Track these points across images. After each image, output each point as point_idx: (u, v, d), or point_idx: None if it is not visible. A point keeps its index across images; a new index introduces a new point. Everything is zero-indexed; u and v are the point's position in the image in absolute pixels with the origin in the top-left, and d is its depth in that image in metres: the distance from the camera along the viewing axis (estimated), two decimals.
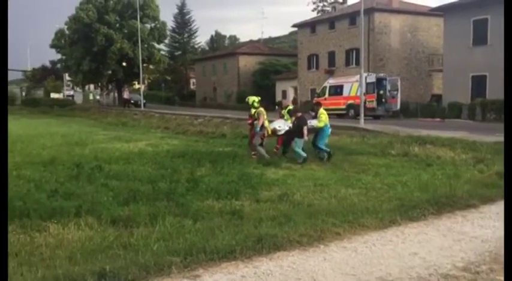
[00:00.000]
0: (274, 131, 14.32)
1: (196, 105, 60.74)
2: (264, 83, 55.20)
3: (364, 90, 28.16)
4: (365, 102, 28.30)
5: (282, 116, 15.73)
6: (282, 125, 14.42)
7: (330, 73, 44.90)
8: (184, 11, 76.87)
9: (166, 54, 69.15)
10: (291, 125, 14.09)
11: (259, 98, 14.75)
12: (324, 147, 13.88)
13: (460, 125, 25.39)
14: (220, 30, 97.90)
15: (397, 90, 34.37)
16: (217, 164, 12.50)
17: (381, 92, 33.47)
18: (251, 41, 74.48)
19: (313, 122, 14.08)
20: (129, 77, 58.84)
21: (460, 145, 15.26)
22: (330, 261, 5.43)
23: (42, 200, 7.75)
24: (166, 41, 66.91)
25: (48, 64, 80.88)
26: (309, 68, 49.37)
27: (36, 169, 11.54)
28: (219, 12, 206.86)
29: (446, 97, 35.14)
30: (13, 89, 76.50)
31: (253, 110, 14.31)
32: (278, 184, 10.10)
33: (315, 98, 38.43)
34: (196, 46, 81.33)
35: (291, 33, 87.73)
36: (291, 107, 15.66)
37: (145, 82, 75.60)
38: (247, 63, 58.93)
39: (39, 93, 71.37)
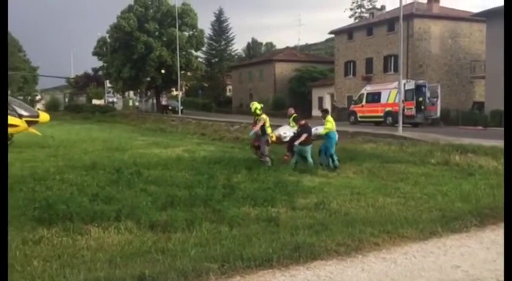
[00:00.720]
0: (279, 138, 14.22)
1: (233, 111, 61.16)
2: (300, 90, 55.07)
3: (402, 97, 27.64)
4: (403, 110, 27.76)
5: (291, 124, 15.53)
6: (287, 132, 14.30)
7: (368, 80, 44.34)
8: (222, 18, 77.83)
9: (204, 62, 70.09)
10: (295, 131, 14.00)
11: (262, 105, 14.65)
12: (334, 155, 13.72)
13: (503, 134, 24.51)
14: (256, 37, 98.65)
15: (437, 97, 33.54)
16: (253, 171, 12.52)
17: (420, 99, 32.75)
18: (287, 48, 74.48)
19: (318, 130, 14.03)
20: (167, 83, 59.95)
21: None
22: (369, 272, 5.34)
23: (84, 204, 7.95)
24: (204, 48, 67.93)
25: (90, 71, 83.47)
26: (346, 74, 48.93)
27: (78, 173, 11.87)
28: (256, 20, 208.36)
29: (488, 105, 34.05)
30: (57, 95, 79.46)
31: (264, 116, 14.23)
32: (314, 191, 10.02)
33: (352, 105, 38.06)
34: (233, 53, 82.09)
35: (328, 40, 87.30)
36: (295, 115, 15.31)
37: (183, 89, 76.76)
38: (283, 70, 58.96)
39: (82, 99, 73.79)
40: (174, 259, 5.37)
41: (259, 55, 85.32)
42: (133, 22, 52.92)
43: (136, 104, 71.62)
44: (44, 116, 21.16)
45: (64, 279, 4.88)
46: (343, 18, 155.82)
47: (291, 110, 15.71)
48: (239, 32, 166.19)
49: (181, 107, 52.16)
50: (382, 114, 34.04)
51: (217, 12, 77.53)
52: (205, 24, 78.95)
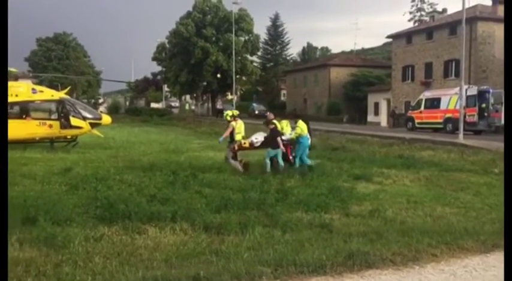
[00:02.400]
0: (251, 144, 14.02)
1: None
2: (355, 95, 54.21)
3: (464, 103, 26.59)
4: (465, 116, 26.69)
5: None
6: (259, 137, 14.15)
7: (427, 85, 42.98)
8: (277, 23, 78.13)
9: (259, 66, 70.63)
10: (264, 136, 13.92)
11: (234, 112, 14.91)
12: (306, 159, 13.74)
13: None
14: (312, 41, 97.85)
15: (502, 103, 31.97)
16: (306, 176, 12.47)
17: (483, 105, 31.34)
18: (343, 53, 73.71)
19: (289, 135, 13.99)
20: (222, 88, 60.93)
21: None
22: None
23: (142, 204, 8.23)
24: (259, 53, 68.46)
25: (149, 76, 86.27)
26: (404, 79, 47.66)
27: (137, 174, 12.28)
28: (312, 24, 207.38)
29: None
30: (118, 99, 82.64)
31: (233, 123, 14.19)
32: (369, 198, 9.84)
33: (410, 111, 36.99)
34: (288, 58, 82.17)
35: (385, 44, 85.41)
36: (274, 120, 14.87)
37: (238, 93, 77.68)
38: (338, 74, 58.32)
39: (141, 102, 76.39)
40: (228, 261, 5.44)
41: (314, 60, 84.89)
42: (191, 28, 54.25)
43: (193, 107, 73.21)
44: (106, 119, 22.08)
45: (123, 276, 5.07)
46: (401, 22, 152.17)
47: (271, 115, 15.55)
48: (294, 37, 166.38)
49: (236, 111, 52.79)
50: (441, 120, 32.88)
51: (273, 17, 77.99)
52: (261, 29, 79.78)
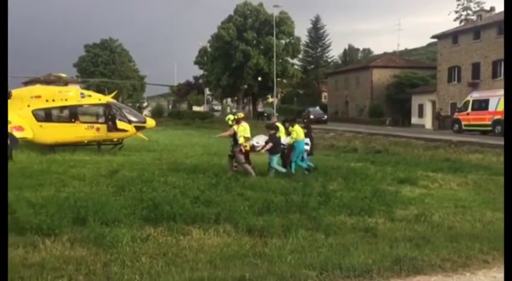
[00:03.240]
0: (252, 147, 13.89)
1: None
2: (398, 97, 53.05)
3: None
4: None
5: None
6: (260, 141, 14.01)
7: (474, 86, 41.54)
8: (318, 25, 77.68)
9: (300, 69, 70.40)
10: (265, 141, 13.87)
11: (235, 116, 14.77)
12: (299, 162, 13.77)
13: None
14: (353, 43, 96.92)
15: None
16: (349, 179, 12.32)
17: None
18: (386, 54, 72.30)
19: (287, 140, 13.94)
20: (263, 91, 61.10)
21: None
22: None
23: (186, 206, 8.35)
24: (300, 55, 68.25)
25: (191, 79, 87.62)
26: (450, 80, 46.25)
27: (180, 177, 12.48)
28: (353, 26, 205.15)
29: None
30: (161, 102, 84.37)
31: (235, 127, 14.12)
32: (414, 203, 9.61)
33: (456, 113, 35.89)
34: (329, 60, 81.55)
35: (429, 45, 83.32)
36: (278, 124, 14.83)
37: (279, 96, 77.72)
38: (381, 76, 57.27)
39: (183, 106, 77.64)
40: (271, 264, 5.45)
41: (356, 61, 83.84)
42: (232, 32, 54.74)
43: (234, 110, 73.78)
44: (151, 122, 22.58)
45: (169, 276, 5.17)
46: (447, 22, 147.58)
47: (274, 119, 15.34)
48: (336, 39, 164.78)
49: (277, 114, 52.79)
50: (490, 122, 31.68)
51: (314, 19, 77.60)
52: (302, 31, 79.40)
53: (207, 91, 75.17)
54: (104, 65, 74.42)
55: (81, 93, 21.38)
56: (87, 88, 38.75)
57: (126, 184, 10.87)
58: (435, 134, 31.82)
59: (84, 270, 5.51)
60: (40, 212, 7.57)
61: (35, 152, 17.96)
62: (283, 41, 57.15)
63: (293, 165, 13.76)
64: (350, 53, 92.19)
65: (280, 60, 55.48)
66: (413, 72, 55.76)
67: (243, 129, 13.88)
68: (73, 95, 20.77)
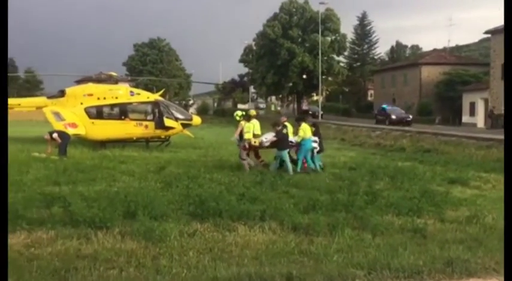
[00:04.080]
0: (260, 143, 14.13)
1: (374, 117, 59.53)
2: (448, 95, 51.34)
3: None
4: None
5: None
6: (268, 137, 14.22)
7: None
8: (365, 22, 76.32)
9: (345, 66, 69.47)
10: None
11: (244, 113, 15.30)
12: (309, 162, 13.92)
13: None
14: (401, 39, 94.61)
15: None
16: (396, 179, 12.08)
17: None
18: (435, 50, 70.08)
19: (295, 137, 14.27)
20: (308, 89, 60.74)
21: None
22: None
23: (232, 203, 8.43)
24: (346, 53, 67.32)
25: (236, 78, 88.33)
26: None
27: (225, 174, 12.64)
28: (401, 22, 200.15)
29: None
30: (207, 100, 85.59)
31: (242, 123, 14.45)
32: (466, 204, 9.31)
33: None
34: (375, 57, 79.99)
35: (482, 40, 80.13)
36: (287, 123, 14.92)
37: (324, 94, 77.03)
38: (430, 73, 55.61)
39: (228, 104, 78.42)
40: (317, 262, 5.43)
41: (404, 58, 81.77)
42: (277, 29, 54.71)
43: (278, 108, 73.83)
44: (197, 120, 22.97)
45: (216, 271, 5.24)
46: (500, 17, 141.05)
47: (283, 118, 15.57)
48: (383, 35, 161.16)
49: (321, 112, 52.39)
50: None
51: (360, 15, 76.31)
52: (348, 28, 78.19)
53: (251, 89, 75.54)
54: (152, 64, 76.28)
55: (131, 92, 22.02)
56: (136, 86, 39.75)
57: (173, 180, 11.11)
58: (488, 133, 30.59)
59: (135, 262, 5.68)
60: (92, 205, 7.85)
61: (87, 148, 18.65)
62: (328, 39, 56.55)
63: (299, 162, 13.91)
64: (398, 49, 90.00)
65: (325, 58, 54.93)
66: (465, 69, 53.78)
67: (253, 126, 14.12)
68: (123, 93, 21.42)
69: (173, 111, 21.47)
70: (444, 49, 70.38)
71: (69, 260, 5.67)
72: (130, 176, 11.95)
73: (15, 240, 6.42)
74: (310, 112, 54.76)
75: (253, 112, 15.31)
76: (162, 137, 21.48)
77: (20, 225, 6.87)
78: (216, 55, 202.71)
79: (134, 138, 21.08)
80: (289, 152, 13.97)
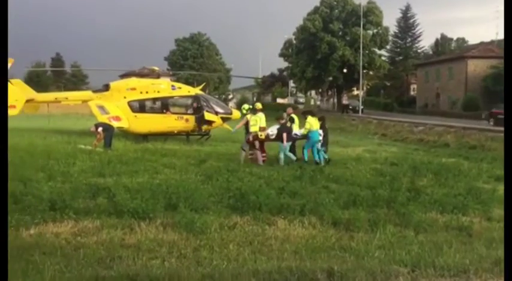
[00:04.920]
0: (267, 136, 14.42)
1: (416, 112, 58.00)
2: (496, 89, 49.37)
3: None
4: None
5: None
6: (274, 130, 14.43)
7: None
8: (408, 14, 74.33)
9: (387, 60, 67.98)
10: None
11: (250, 106, 15.87)
12: (315, 155, 14.21)
13: None
14: (446, 32, 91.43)
15: None
16: (440, 176, 11.76)
17: None
18: (482, 43, 67.52)
19: (301, 130, 14.74)
20: (348, 83, 59.88)
21: None
22: None
23: (271, 196, 8.45)
24: (388, 46, 65.83)
25: (276, 72, 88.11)
26: None
27: (265, 168, 12.68)
28: (446, 14, 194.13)
29: None
30: (246, 95, 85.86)
31: (248, 116, 14.93)
32: None
33: None
34: (419, 50, 77.83)
35: None
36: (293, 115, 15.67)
37: (364, 88, 75.77)
38: (477, 67, 53.64)
39: (267, 98, 78.40)
40: (359, 258, 5.36)
41: (449, 52, 79.16)
42: (318, 23, 54.12)
43: (318, 103, 73.20)
44: (236, 114, 23.05)
45: (256, 265, 5.26)
46: None
47: (290, 110, 16.12)
48: (427, 28, 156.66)
49: (362, 107, 51.55)
50: None
51: (403, 8, 74.38)
52: (390, 21, 76.39)
53: (291, 83, 75.18)
54: (193, 59, 77.16)
55: (172, 86, 22.35)
56: (177, 81, 40.42)
57: (214, 173, 11.22)
58: None
59: (176, 253, 5.79)
60: (136, 197, 8.03)
61: (130, 141, 19.10)
62: (370, 32, 55.46)
63: (305, 154, 14.25)
64: (442, 42, 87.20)
65: (366, 52, 53.92)
66: None
67: (259, 119, 14.40)
68: (165, 87, 21.77)
69: (213, 105, 21.67)
70: (492, 42, 67.66)
71: (114, 249, 5.84)
72: (172, 169, 12.15)
73: (63, 229, 6.67)
74: (350, 107, 53.99)
75: (259, 105, 15.40)
76: (202, 130, 21.73)
77: (67, 214, 7.12)
78: (256, 49, 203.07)
79: (175, 131, 21.40)
80: (292, 145, 14.38)
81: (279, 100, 75.18)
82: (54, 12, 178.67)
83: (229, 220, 7.27)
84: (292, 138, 14.15)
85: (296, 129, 14.93)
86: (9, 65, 21.98)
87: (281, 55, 65.22)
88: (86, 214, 7.27)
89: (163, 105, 21.42)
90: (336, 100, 63.40)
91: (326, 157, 14.61)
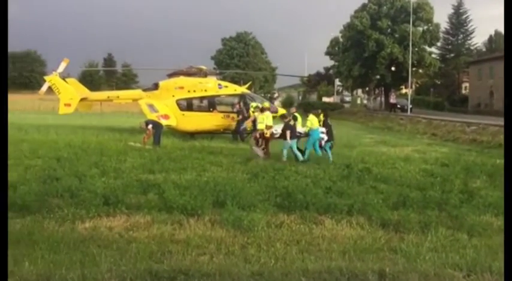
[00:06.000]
0: (272, 134, 14.94)
1: (469, 111, 55.96)
2: None
3: None
4: None
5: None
6: (278, 129, 14.92)
7: None
8: (461, 10, 71.80)
9: (438, 57, 65.89)
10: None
11: (258, 105, 17.14)
12: (317, 150, 14.66)
13: None
14: (501, 29, 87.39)
15: None
16: (494, 177, 11.29)
17: None
18: None
19: (303, 128, 15.12)
20: (396, 81, 58.44)
21: None
22: None
23: (318, 196, 8.40)
24: (439, 43, 63.78)
25: (322, 70, 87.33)
26: None
27: (310, 166, 12.57)
28: (501, 9, 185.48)
29: None
30: (291, 93, 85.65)
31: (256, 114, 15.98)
32: None
33: None
34: (471, 47, 75.00)
35: None
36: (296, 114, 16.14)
37: (413, 87, 73.80)
38: None
39: (313, 97, 77.84)
40: (409, 260, 5.25)
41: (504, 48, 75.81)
42: (366, 20, 53.16)
43: (364, 102, 71.94)
44: (282, 112, 23.05)
45: (304, 264, 5.25)
46: None
47: (292, 109, 16.62)
48: (480, 24, 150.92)
49: (411, 106, 50.20)
50: None
51: (456, 4, 71.86)
52: (442, 17, 73.86)
53: (337, 82, 74.29)
54: (239, 58, 77.77)
55: (219, 85, 22.60)
56: (223, 80, 40.79)
57: (260, 171, 11.25)
58: None
59: (224, 250, 5.87)
60: (184, 193, 8.19)
61: (178, 139, 19.47)
62: (420, 29, 53.86)
63: (307, 151, 14.51)
64: (496, 39, 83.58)
65: (416, 49, 52.42)
66: None
67: (266, 118, 15.07)
68: (212, 86, 22.04)
69: (259, 104, 21.72)
70: None
71: (164, 244, 5.99)
72: (219, 167, 12.29)
73: (116, 223, 6.91)
74: (398, 106, 52.71)
75: (266, 105, 16.33)
76: (248, 129, 21.85)
77: (119, 209, 7.37)
78: (302, 48, 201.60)
79: (221, 130, 21.62)
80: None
81: (325, 99, 74.40)
82: (107, 14, 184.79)
83: (276, 218, 7.29)
84: (295, 136, 14.55)
85: (299, 127, 15.40)
86: (64, 65, 22.98)
87: (327, 53, 64.54)
88: (137, 209, 7.50)
89: (210, 103, 21.70)
90: (383, 99, 62.06)
91: (330, 156, 14.72)
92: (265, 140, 15.04)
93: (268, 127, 14.93)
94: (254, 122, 15.75)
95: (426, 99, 68.14)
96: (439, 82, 72.88)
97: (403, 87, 66.56)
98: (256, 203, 7.95)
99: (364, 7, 55.48)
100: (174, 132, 21.07)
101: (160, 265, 5.07)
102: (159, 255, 5.58)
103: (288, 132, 14.14)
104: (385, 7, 54.65)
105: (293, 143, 14.31)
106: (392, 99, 54.68)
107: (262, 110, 15.60)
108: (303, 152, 14.43)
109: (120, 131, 21.36)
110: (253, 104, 16.91)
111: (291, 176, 10.70)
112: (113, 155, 13.07)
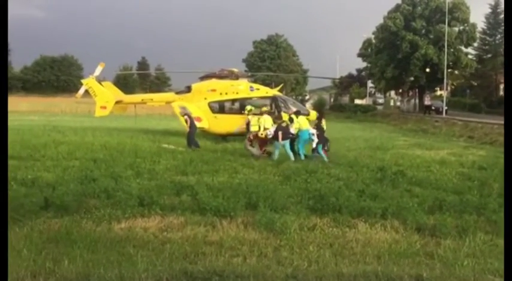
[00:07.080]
0: (266, 136, 15.50)
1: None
2: None
3: None
4: None
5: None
6: (272, 130, 15.35)
7: None
8: (498, 10, 69.67)
9: (474, 58, 64.18)
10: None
11: (252, 107, 18.59)
12: (300, 149, 15.08)
13: None
14: None
15: None
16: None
17: None
18: None
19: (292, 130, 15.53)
20: (431, 83, 57.21)
21: None
22: None
23: (351, 199, 8.30)
24: (475, 44, 62.10)
25: (354, 72, 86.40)
26: None
27: (343, 169, 12.45)
28: None
29: None
30: (323, 95, 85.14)
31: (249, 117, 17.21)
32: None
33: None
34: None
35: None
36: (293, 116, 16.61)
37: (448, 88, 72.08)
38: None
39: (345, 99, 77.11)
40: (446, 266, 5.12)
41: None
42: (399, 21, 52.32)
43: (398, 104, 70.73)
44: (313, 114, 22.91)
45: (338, 268, 5.21)
46: None
47: (291, 111, 17.67)
48: None
49: (446, 108, 49.03)
50: None
51: (493, 3, 69.82)
52: (478, 17, 71.84)
53: (369, 84, 73.32)
54: (270, 60, 77.77)
55: (251, 87, 22.69)
56: (255, 82, 40.93)
57: (292, 173, 11.23)
58: None
59: (257, 252, 5.87)
60: (217, 195, 8.25)
61: (210, 141, 19.64)
62: (456, 29, 52.57)
63: (301, 152, 15.09)
64: None
65: (451, 50, 51.18)
66: None
67: (263, 121, 15.93)
68: (243, 88, 22.15)
69: (291, 106, 21.67)
70: None
71: (198, 246, 6.05)
72: (250, 169, 12.33)
73: (151, 224, 7.02)
74: (433, 107, 51.56)
75: (264, 108, 17.87)
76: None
77: (154, 210, 7.49)
78: (334, 50, 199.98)
79: None
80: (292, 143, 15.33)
81: (357, 101, 73.59)
82: (140, 19, 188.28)
83: (308, 221, 7.25)
84: (287, 137, 15.09)
85: (292, 129, 15.86)
86: (100, 68, 23.57)
87: (359, 55, 63.87)
88: (171, 211, 7.60)
89: (242, 106, 21.77)
90: (417, 101, 60.87)
91: (324, 157, 15.08)
92: (261, 140, 15.89)
93: (265, 129, 15.70)
94: (248, 124, 16.96)
95: (462, 101, 66.36)
96: (475, 83, 70.84)
97: (438, 88, 65.08)
98: (288, 205, 7.94)
99: (397, 8, 54.65)
100: (206, 134, 21.27)
101: (195, 266, 5.12)
102: (193, 256, 5.64)
103: (279, 134, 14.83)
104: (419, 8, 53.68)
105: (285, 143, 14.97)
106: (427, 101, 53.52)
107: (260, 113, 16.90)
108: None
109: (153, 133, 21.72)
110: (248, 107, 18.22)
111: (324, 179, 10.61)
112: (147, 156, 13.30)
